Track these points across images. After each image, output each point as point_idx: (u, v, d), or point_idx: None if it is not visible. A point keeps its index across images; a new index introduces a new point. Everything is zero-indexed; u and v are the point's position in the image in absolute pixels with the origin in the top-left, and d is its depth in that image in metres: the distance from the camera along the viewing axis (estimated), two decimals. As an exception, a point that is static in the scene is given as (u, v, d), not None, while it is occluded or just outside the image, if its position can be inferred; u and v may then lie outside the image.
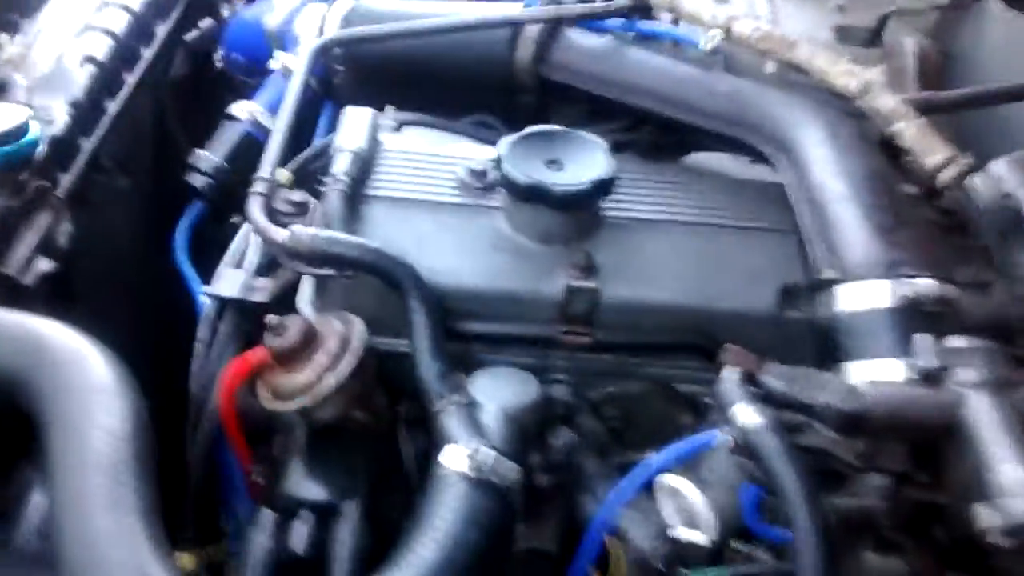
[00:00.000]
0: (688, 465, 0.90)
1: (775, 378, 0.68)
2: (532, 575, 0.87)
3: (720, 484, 0.87)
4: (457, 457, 0.77)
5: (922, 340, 0.71)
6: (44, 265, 0.94)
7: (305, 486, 0.85)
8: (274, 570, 0.80)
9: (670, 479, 0.79)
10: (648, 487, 0.84)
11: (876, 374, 0.82)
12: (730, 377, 0.69)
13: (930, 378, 0.69)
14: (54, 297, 0.95)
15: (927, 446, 0.69)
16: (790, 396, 0.67)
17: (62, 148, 1.03)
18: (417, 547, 0.72)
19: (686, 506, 0.77)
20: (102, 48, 1.14)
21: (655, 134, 1.18)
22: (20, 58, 1.09)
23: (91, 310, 1.03)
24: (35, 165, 0.97)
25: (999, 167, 1.08)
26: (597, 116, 1.21)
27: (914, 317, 0.84)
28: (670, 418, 0.99)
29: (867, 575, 0.77)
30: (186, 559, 0.88)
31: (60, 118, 1.03)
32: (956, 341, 0.71)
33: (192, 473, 0.92)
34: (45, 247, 0.95)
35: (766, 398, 0.68)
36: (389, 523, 0.85)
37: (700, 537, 0.76)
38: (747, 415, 0.65)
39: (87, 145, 1.07)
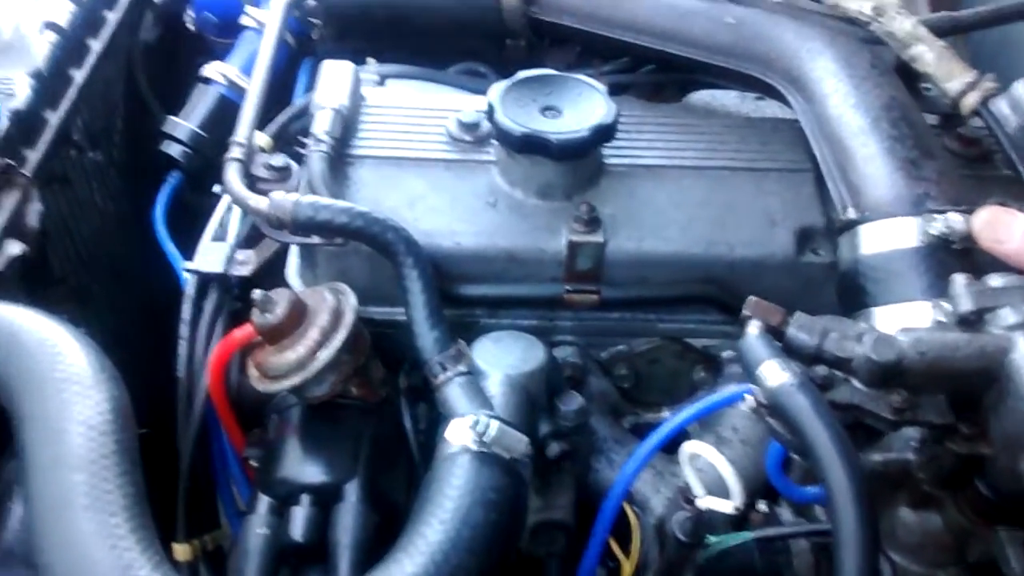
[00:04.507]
0: (707, 423, 0.86)
1: (802, 331, 0.63)
2: (548, 549, 0.83)
3: (743, 443, 0.83)
4: (461, 431, 0.72)
5: (958, 280, 0.65)
6: (14, 248, 0.88)
7: (302, 468, 0.80)
8: (273, 558, 0.76)
9: (692, 446, 0.75)
10: (666, 449, 0.80)
11: (907, 319, 0.77)
12: (754, 333, 0.63)
13: (969, 321, 0.64)
14: (28, 281, 0.90)
15: (968, 395, 0.64)
16: (820, 350, 0.62)
17: (26, 122, 0.97)
18: (424, 529, 0.67)
19: (710, 473, 0.73)
20: (63, 13, 1.07)
21: (656, 74, 1.12)
22: (-27, 29, 1.03)
23: (70, 293, 0.99)
24: (-3, 143, 0.92)
25: (1024, 88, 1.02)
26: (593, 58, 1.14)
27: (944, 255, 0.79)
28: (683, 374, 0.95)
29: (904, 531, 0.73)
30: (181, 550, 0.84)
31: (22, 91, 0.97)
32: (994, 280, 0.65)
33: (184, 460, 0.88)
34: (14, 229, 0.90)
35: (793, 353, 0.62)
36: (393, 502, 0.81)
37: (724, 505, 0.72)
38: (775, 374, 0.60)
39: (54, 118, 1.01)
